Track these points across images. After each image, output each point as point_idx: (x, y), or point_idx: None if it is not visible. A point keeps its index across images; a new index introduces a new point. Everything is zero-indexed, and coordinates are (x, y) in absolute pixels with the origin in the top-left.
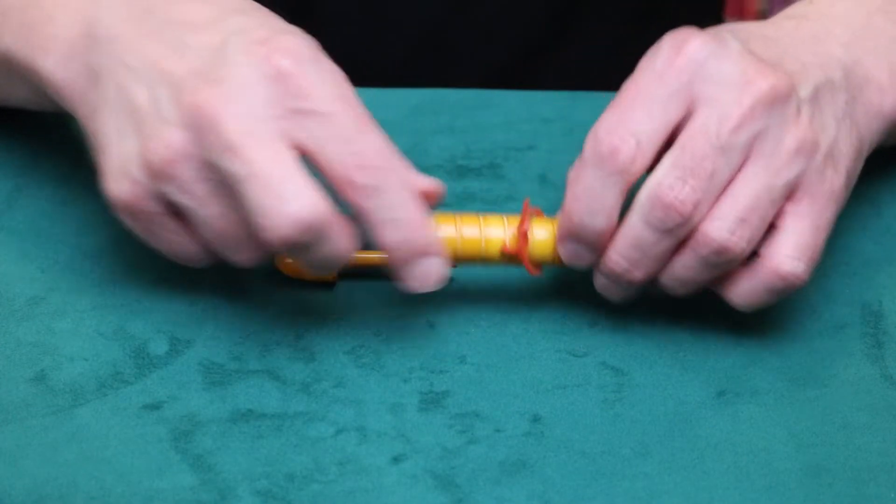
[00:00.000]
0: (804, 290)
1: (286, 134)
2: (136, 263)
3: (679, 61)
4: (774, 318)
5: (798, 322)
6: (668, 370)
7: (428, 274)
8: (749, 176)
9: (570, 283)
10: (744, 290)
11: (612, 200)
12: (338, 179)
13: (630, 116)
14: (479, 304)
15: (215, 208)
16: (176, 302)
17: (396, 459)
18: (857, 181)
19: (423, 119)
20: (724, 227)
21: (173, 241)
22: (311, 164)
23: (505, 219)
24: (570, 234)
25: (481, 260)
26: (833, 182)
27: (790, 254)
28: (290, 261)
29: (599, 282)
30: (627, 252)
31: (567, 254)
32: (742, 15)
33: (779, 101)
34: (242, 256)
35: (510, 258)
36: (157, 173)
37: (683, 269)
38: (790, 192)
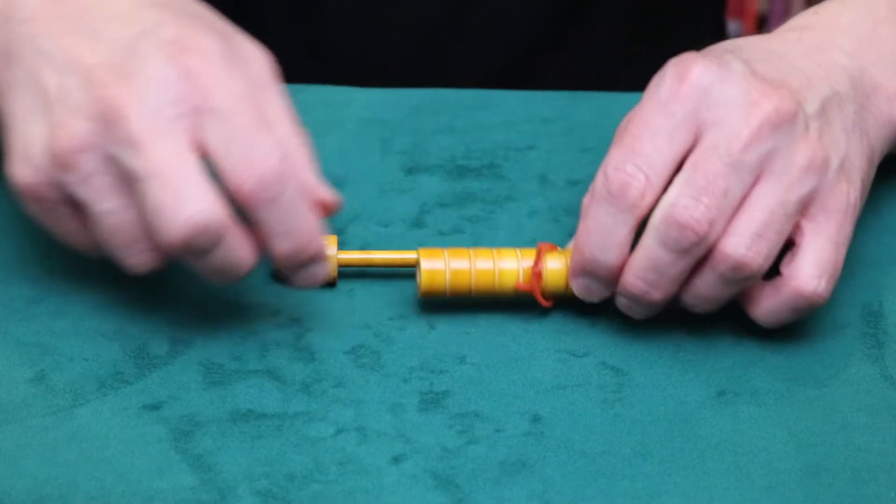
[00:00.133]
0: None
1: (189, 133)
2: None
3: (683, 89)
4: None
5: (798, 322)
6: (668, 370)
7: (313, 277)
8: (762, 193)
9: None
10: (767, 309)
11: (624, 236)
12: (233, 185)
13: (638, 151)
14: (479, 304)
15: (113, 203)
16: (176, 302)
17: (396, 459)
18: None
19: (423, 119)
20: (740, 243)
21: (69, 230)
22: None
23: (518, 252)
24: (583, 270)
25: (493, 293)
26: (849, 195)
27: (812, 272)
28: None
29: (621, 302)
30: (645, 274)
31: (579, 288)
32: (742, 15)
33: (784, 123)
34: (134, 259)
35: (523, 293)
36: (59, 162)
37: (703, 288)
38: (805, 209)
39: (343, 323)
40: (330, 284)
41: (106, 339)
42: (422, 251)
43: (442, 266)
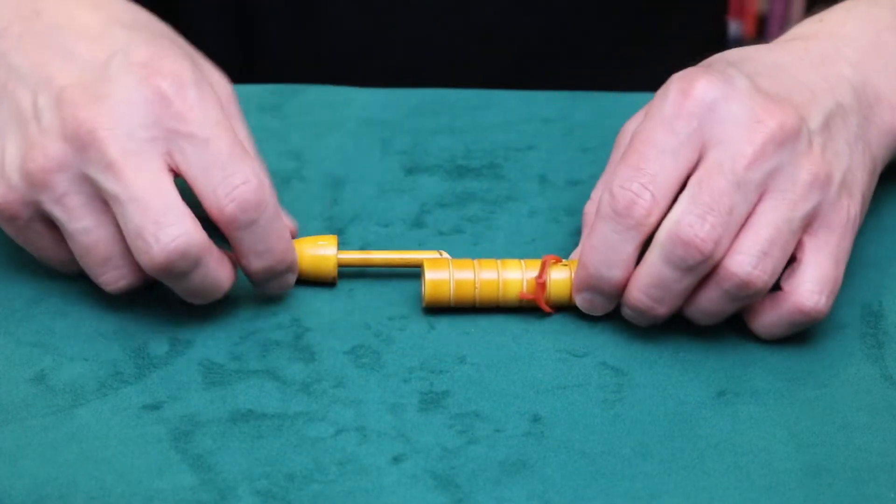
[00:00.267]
0: None
1: (164, 156)
2: None
3: (687, 105)
4: None
5: None
6: (668, 370)
7: (281, 286)
8: (767, 210)
9: None
10: (767, 323)
11: (629, 253)
12: (211, 208)
13: (643, 169)
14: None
15: (86, 222)
16: (176, 302)
17: (396, 459)
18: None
19: (423, 119)
20: (746, 261)
21: (44, 248)
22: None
23: (522, 263)
24: (587, 285)
25: (497, 304)
26: (849, 210)
27: (812, 288)
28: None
29: (625, 312)
30: (649, 290)
31: (583, 302)
32: (742, 15)
33: (789, 140)
34: (109, 276)
35: (527, 303)
36: (33, 181)
37: (707, 303)
38: (808, 225)
39: (343, 323)
40: (330, 284)
41: (106, 339)
42: (426, 261)
43: (446, 276)
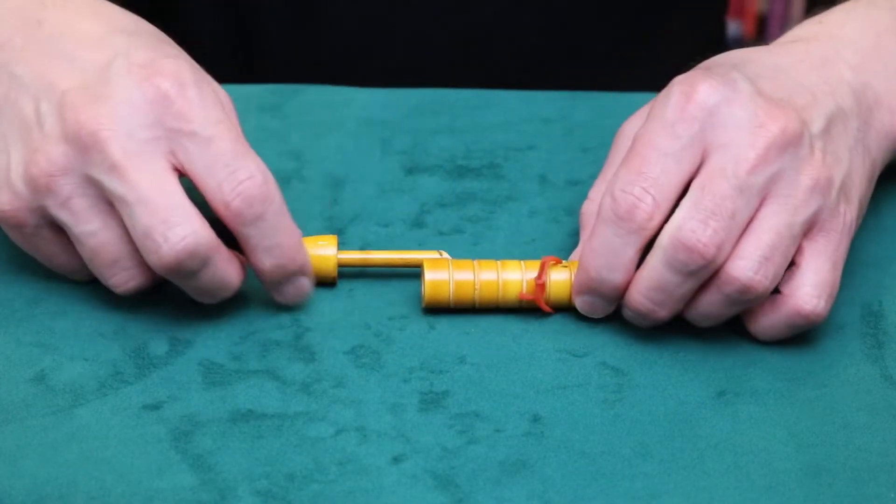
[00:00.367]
0: None
1: (168, 155)
2: None
3: (689, 109)
4: None
5: None
6: (668, 370)
7: (298, 293)
8: (769, 215)
9: None
10: (766, 325)
11: (630, 256)
12: (217, 204)
13: (645, 173)
14: None
15: (93, 224)
16: (176, 302)
17: (396, 459)
18: None
19: (423, 119)
20: (747, 266)
21: (52, 254)
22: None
23: (522, 264)
24: (588, 288)
25: (497, 305)
26: (846, 216)
27: (811, 292)
28: None
29: (626, 313)
30: (650, 294)
31: (583, 305)
32: (742, 15)
33: (791, 144)
34: (118, 277)
35: (527, 302)
36: (38, 187)
37: (708, 307)
38: (808, 229)
39: (343, 323)
40: (330, 284)
41: (106, 339)
42: (426, 261)
43: (446, 277)
